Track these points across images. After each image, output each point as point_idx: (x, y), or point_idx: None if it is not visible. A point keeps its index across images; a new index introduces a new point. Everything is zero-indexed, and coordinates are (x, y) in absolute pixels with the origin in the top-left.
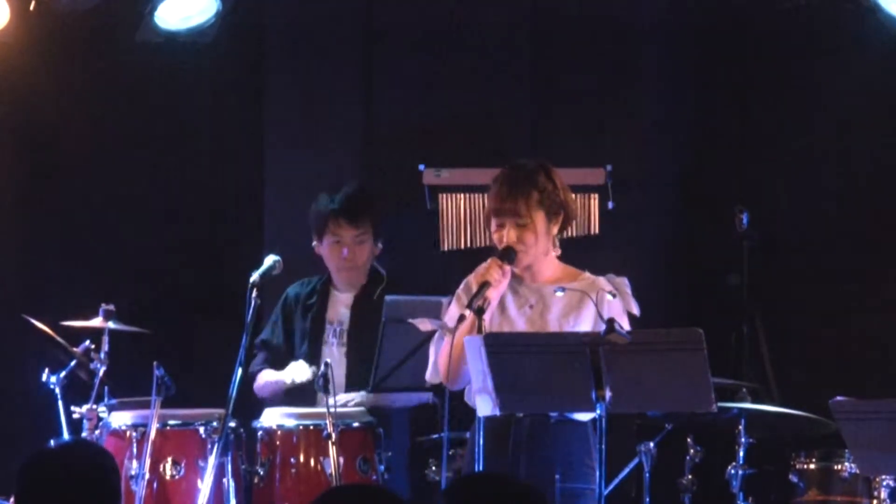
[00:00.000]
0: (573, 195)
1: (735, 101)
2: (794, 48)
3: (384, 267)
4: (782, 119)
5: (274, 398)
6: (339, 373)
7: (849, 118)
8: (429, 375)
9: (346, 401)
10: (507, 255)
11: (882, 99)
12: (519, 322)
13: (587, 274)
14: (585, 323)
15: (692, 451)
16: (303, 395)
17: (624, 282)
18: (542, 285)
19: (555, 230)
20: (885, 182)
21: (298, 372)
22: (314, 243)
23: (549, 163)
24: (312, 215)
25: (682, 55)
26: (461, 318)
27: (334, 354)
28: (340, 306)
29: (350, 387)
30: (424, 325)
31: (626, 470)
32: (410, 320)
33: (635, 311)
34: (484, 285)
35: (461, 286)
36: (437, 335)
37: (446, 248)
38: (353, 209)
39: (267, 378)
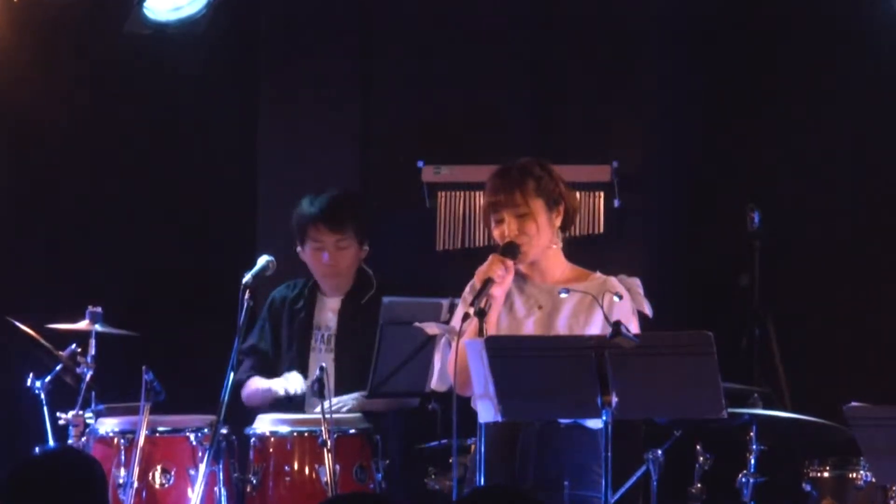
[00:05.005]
0: (576, 192)
1: (745, 97)
2: (806, 43)
3: (381, 267)
4: (794, 115)
5: (263, 407)
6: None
7: (862, 114)
8: (434, 383)
9: (339, 404)
10: (510, 250)
11: None
12: (527, 323)
13: (598, 274)
14: (596, 325)
15: (701, 458)
16: (290, 402)
17: (636, 282)
18: (552, 286)
19: (557, 222)
20: None
21: (293, 383)
22: (298, 249)
23: (546, 160)
24: (294, 220)
25: (691, 49)
26: (465, 317)
27: (323, 361)
28: (328, 311)
29: (340, 393)
30: (431, 328)
31: (634, 478)
32: (417, 324)
33: (647, 311)
34: (487, 282)
35: (467, 289)
36: (442, 341)
37: (444, 248)
38: (334, 214)
39: (257, 385)
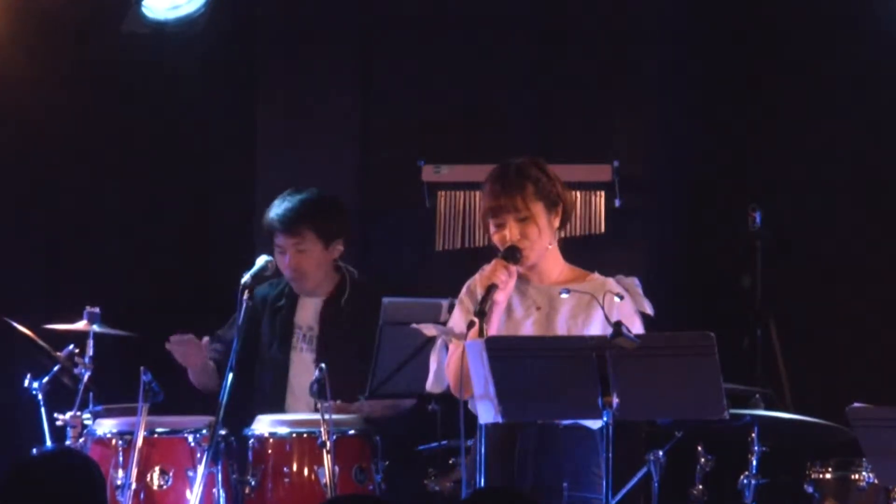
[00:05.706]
0: (575, 192)
1: (747, 96)
2: (806, 41)
3: (381, 267)
4: (797, 114)
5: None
6: (308, 380)
7: (862, 114)
8: (430, 385)
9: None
10: (512, 254)
11: None
12: (525, 324)
13: (596, 275)
14: (595, 325)
15: (703, 459)
16: (272, 402)
17: (634, 282)
18: (550, 287)
19: (556, 223)
20: None
21: None
22: None
23: (543, 159)
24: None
25: (691, 50)
26: (470, 324)
27: (304, 361)
28: (309, 311)
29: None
30: (429, 330)
31: (635, 479)
32: (414, 325)
33: (648, 310)
34: (491, 288)
35: (463, 290)
36: (439, 342)
37: (443, 248)
38: (288, 219)
39: None
